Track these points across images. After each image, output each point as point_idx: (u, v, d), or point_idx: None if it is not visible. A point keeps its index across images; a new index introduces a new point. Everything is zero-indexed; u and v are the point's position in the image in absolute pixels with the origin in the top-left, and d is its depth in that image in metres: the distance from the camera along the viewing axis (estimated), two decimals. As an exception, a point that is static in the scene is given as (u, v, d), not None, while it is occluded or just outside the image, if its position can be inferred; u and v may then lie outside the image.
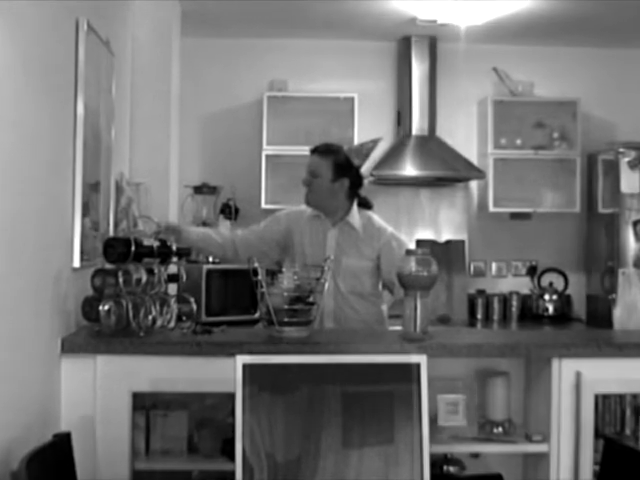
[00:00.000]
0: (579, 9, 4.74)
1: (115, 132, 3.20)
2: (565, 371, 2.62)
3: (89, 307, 2.63)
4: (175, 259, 2.84)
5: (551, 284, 5.42)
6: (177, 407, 2.71)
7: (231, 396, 1.95)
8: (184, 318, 2.81)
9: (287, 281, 2.69)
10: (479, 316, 5.41)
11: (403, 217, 5.51)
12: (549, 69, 5.55)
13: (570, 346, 2.74)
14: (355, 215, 3.39)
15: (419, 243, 5.34)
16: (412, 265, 2.64)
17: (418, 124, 5.39)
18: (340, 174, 3.33)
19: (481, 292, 5.49)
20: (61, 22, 2.56)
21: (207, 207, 5.09)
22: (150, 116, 3.98)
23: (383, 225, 3.43)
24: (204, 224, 4.98)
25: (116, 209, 3.20)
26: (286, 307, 2.63)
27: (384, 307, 3.44)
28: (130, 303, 2.60)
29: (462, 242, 5.54)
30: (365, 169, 3.55)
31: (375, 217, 3.46)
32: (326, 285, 2.69)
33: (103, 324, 2.57)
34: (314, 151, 3.40)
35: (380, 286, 3.41)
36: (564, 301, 5.41)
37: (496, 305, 5.43)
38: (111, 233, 3.12)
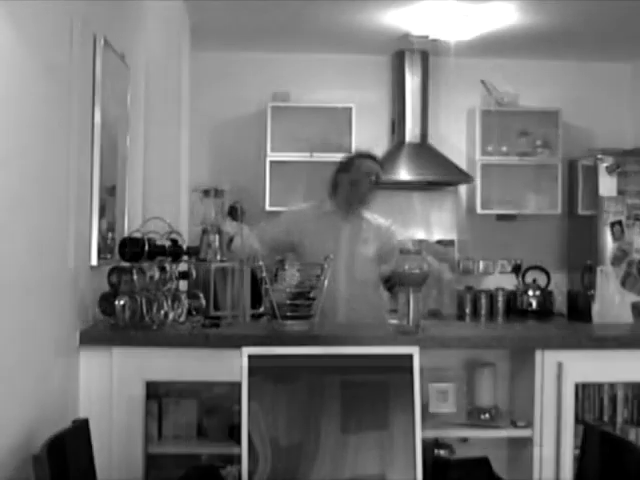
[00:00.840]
0: (561, 25, 4.75)
1: (130, 139, 3.20)
2: (547, 362, 2.62)
3: (106, 302, 2.63)
4: (186, 257, 2.84)
5: (534, 281, 5.42)
6: (187, 395, 2.71)
7: (237, 385, 1.95)
8: (194, 313, 2.81)
9: (289, 278, 2.69)
10: (467, 311, 5.40)
11: (397, 218, 5.49)
12: (533, 81, 5.55)
13: (552, 339, 2.74)
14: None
15: (412, 243, 5.34)
16: (406, 263, 2.65)
17: (411, 132, 5.39)
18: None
19: (469, 288, 5.48)
20: (80, 38, 2.55)
21: (215, 209, 5.08)
22: (162, 125, 3.97)
23: (380, 218, 3.55)
24: (212, 225, 4.97)
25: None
26: (288, 302, 2.63)
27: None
28: (144, 299, 2.60)
29: (452, 242, 5.54)
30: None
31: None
32: (325, 282, 2.69)
33: (118, 318, 2.57)
34: (367, 157, 3.52)
35: None
36: (547, 297, 5.40)
37: (483, 300, 5.42)
38: (126, 233, 3.12)
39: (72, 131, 2.47)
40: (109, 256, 2.83)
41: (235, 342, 2.39)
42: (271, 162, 5.25)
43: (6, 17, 1.87)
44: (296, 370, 2.00)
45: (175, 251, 2.76)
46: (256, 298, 2.89)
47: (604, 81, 5.63)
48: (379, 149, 5.41)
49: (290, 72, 5.47)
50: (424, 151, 5.38)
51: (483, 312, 5.40)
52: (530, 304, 5.36)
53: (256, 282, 2.66)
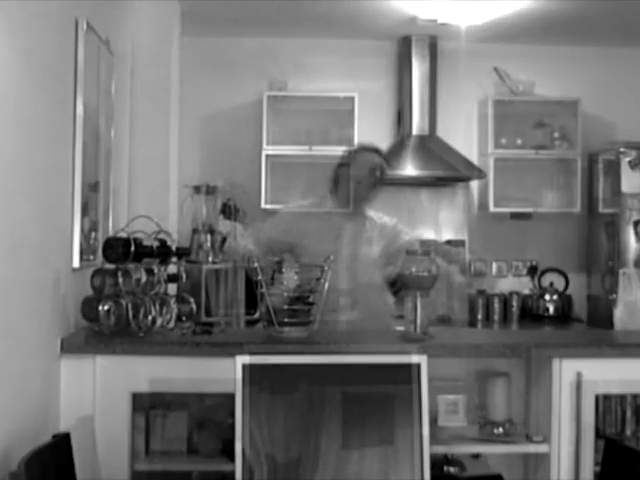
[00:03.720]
0: (579, 8, 4.75)
1: (114, 132, 3.20)
2: (566, 371, 2.62)
3: (88, 307, 2.63)
4: (175, 259, 2.84)
5: (552, 284, 5.43)
6: (177, 407, 2.71)
7: (231, 396, 1.96)
8: (184, 318, 2.81)
9: (287, 281, 2.69)
10: (479, 316, 5.40)
11: (403, 217, 5.51)
12: (550, 68, 5.55)
13: (571, 346, 2.74)
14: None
15: (420, 243, 5.35)
16: (413, 265, 2.65)
17: (418, 124, 5.40)
18: None
19: (481, 292, 5.49)
20: (60, 22, 2.56)
21: (207, 207, 5.09)
22: (150, 116, 3.98)
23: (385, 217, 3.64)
24: (203, 225, 4.97)
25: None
26: (286, 307, 2.63)
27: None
28: (130, 303, 2.60)
29: (462, 242, 5.54)
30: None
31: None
32: (326, 285, 2.69)
33: (103, 324, 2.58)
34: (371, 150, 3.52)
35: None
36: (565, 301, 5.41)
37: (496, 305, 5.43)
38: (110, 233, 3.12)
39: (52, 123, 2.47)
40: (92, 258, 2.83)
41: (228, 350, 2.38)
42: (267, 156, 5.25)
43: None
44: (294, 380, 2.00)
45: (163, 252, 2.76)
46: (251, 303, 2.88)
47: (627, 68, 5.63)
48: (383, 142, 5.43)
49: (288, 59, 5.46)
50: (432, 144, 5.38)
51: (496, 318, 5.40)
52: (547, 309, 5.36)
53: (251, 285, 2.66)
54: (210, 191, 5.08)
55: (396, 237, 3.61)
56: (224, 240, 4.97)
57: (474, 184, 5.61)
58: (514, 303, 5.42)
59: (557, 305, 5.36)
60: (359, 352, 2.49)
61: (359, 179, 3.52)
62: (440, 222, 5.59)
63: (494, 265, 5.60)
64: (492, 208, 5.40)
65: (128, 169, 3.57)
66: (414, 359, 2.05)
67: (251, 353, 2.17)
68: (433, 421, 2.46)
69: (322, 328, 2.76)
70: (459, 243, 5.52)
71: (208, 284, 2.91)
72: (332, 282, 2.73)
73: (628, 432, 2.82)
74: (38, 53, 2.33)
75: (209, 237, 5.04)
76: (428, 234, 5.49)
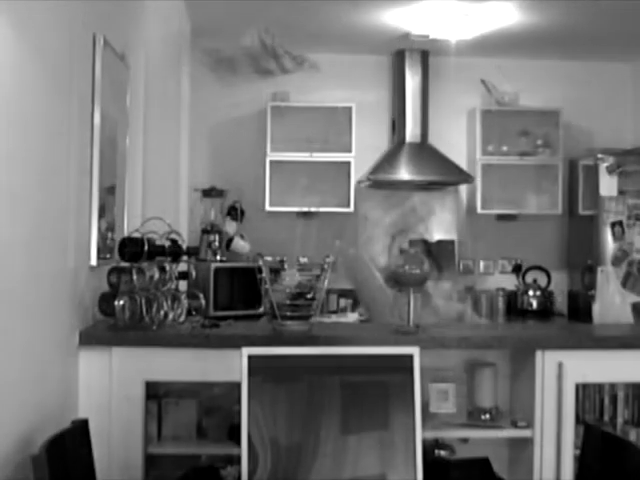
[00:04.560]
0: (562, 25, 4.75)
1: (129, 140, 3.20)
2: (548, 362, 2.62)
3: (105, 302, 2.63)
4: (185, 258, 2.84)
5: (535, 281, 5.42)
6: (187, 395, 2.71)
7: (237, 385, 1.95)
8: (194, 313, 2.81)
9: (289, 278, 2.69)
10: (468, 311, 5.40)
11: (397, 219, 5.52)
12: (533, 81, 5.55)
13: (553, 339, 2.74)
14: None
15: (412, 243, 5.36)
16: (405, 263, 2.65)
17: (412, 132, 5.39)
18: None
19: (470, 288, 5.48)
20: (79, 38, 2.56)
21: (215, 209, 5.09)
22: (162, 124, 3.97)
23: None
24: (212, 225, 4.98)
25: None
26: (288, 302, 2.63)
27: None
28: (143, 299, 2.60)
29: (452, 242, 5.54)
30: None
31: None
32: (326, 282, 2.69)
33: (118, 318, 2.58)
34: None
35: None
36: (547, 297, 5.40)
37: (484, 301, 5.43)
38: (125, 233, 3.12)
39: (72, 131, 2.47)
40: (108, 256, 2.83)
41: (235, 342, 2.39)
42: (271, 162, 5.25)
43: (6, 17, 1.87)
44: (296, 370, 2.00)
45: (175, 251, 2.76)
46: (256, 298, 2.88)
47: (605, 81, 5.63)
48: (379, 149, 5.44)
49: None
50: (424, 151, 5.38)
51: (484, 312, 5.40)
52: (530, 304, 5.36)
53: (256, 282, 2.66)
54: (218, 194, 5.11)
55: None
56: (231, 240, 4.99)
57: (463, 188, 5.61)
58: (500, 299, 5.42)
59: (540, 300, 5.36)
60: (356, 344, 2.50)
61: None
62: (431, 223, 5.58)
63: (481, 263, 5.60)
64: (480, 210, 5.40)
65: (142, 174, 3.56)
66: (407, 350, 2.04)
67: (256, 345, 2.17)
68: (425, 408, 2.46)
69: (322, 322, 2.76)
70: (449, 243, 5.53)
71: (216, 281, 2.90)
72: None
73: (606, 418, 2.82)
74: (59, 67, 2.33)
75: (217, 237, 5.07)
76: (420, 234, 5.50)
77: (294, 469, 1.93)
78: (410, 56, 5.42)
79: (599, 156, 4.96)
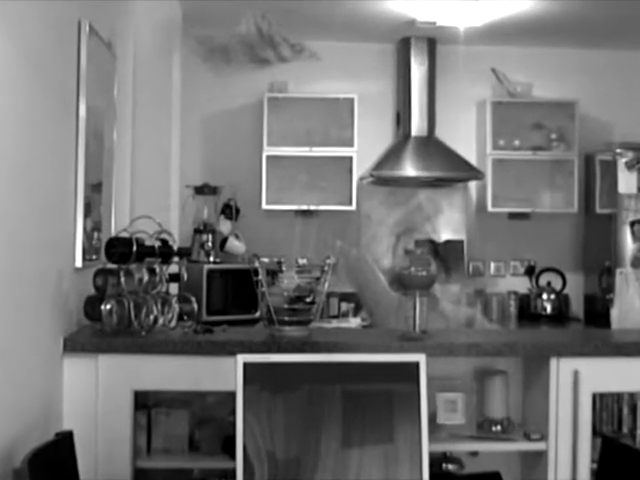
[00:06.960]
0: (577, 11, 4.75)
1: (117, 133, 3.20)
2: (563, 370, 2.62)
3: (91, 306, 2.64)
4: (176, 259, 2.84)
5: (549, 284, 5.43)
6: (178, 405, 2.71)
7: (232, 395, 1.96)
8: (185, 317, 2.81)
9: (287, 281, 2.69)
10: (478, 315, 5.40)
11: (402, 217, 5.52)
12: (547, 70, 5.55)
13: (568, 345, 2.74)
14: None
15: (418, 243, 5.36)
16: (411, 265, 2.65)
17: (417, 125, 5.39)
18: None
19: (479, 292, 5.49)
20: (63, 24, 2.56)
21: (208, 207, 5.10)
22: (151, 117, 3.98)
23: None
24: (205, 225, 4.99)
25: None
26: (286, 307, 2.63)
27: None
28: (132, 302, 2.60)
29: (461, 242, 5.55)
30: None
31: None
32: (326, 285, 2.69)
33: (105, 323, 2.58)
34: None
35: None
36: (562, 301, 5.41)
37: (494, 305, 5.43)
38: (112, 233, 3.12)
39: (55, 124, 2.47)
40: (95, 257, 2.83)
41: (229, 349, 2.39)
42: (268, 157, 5.25)
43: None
44: (294, 379, 2.00)
45: (165, 252, 2.76)
46: (252, 302, 2.88)
47: (624, 70, 5.63)
48: (383, 143, 5.44)
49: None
50: (431, 145, 5.38)
51: (494, 317, 5.40)
52: (544, 308, 5.36)
53: (252, 285, 2.66)
54: (211, 191, 5.11)
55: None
56: (225, 240, 4.99)
57: (472, 185, 5.61)
58: (512, 302, 5.44)
59: (554, 304, 5.37)
60: (358, 350, 2.50)
61: None
62: (438, 222, 5.59)
63: (492, 265, 5.60)
64: (490, 208, 5.40)
65: (130, 169, 3.56)
66: (413, 358, 2.04)
67: (252, 351, 2.17)
68: (432, 419, 2.46)
69: (322, 327, 2.76)
70: (457, 243, 5.53)
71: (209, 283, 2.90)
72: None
73: (625, 430, 2.82)
74: (41, 55, 2.33)
75: (210, 237, 5.07)
76: (426, 234, 5.51)
77: (292, 484, 1.93)
78: (416, 44, 5.42)
79: (617, 150, 4.95)
